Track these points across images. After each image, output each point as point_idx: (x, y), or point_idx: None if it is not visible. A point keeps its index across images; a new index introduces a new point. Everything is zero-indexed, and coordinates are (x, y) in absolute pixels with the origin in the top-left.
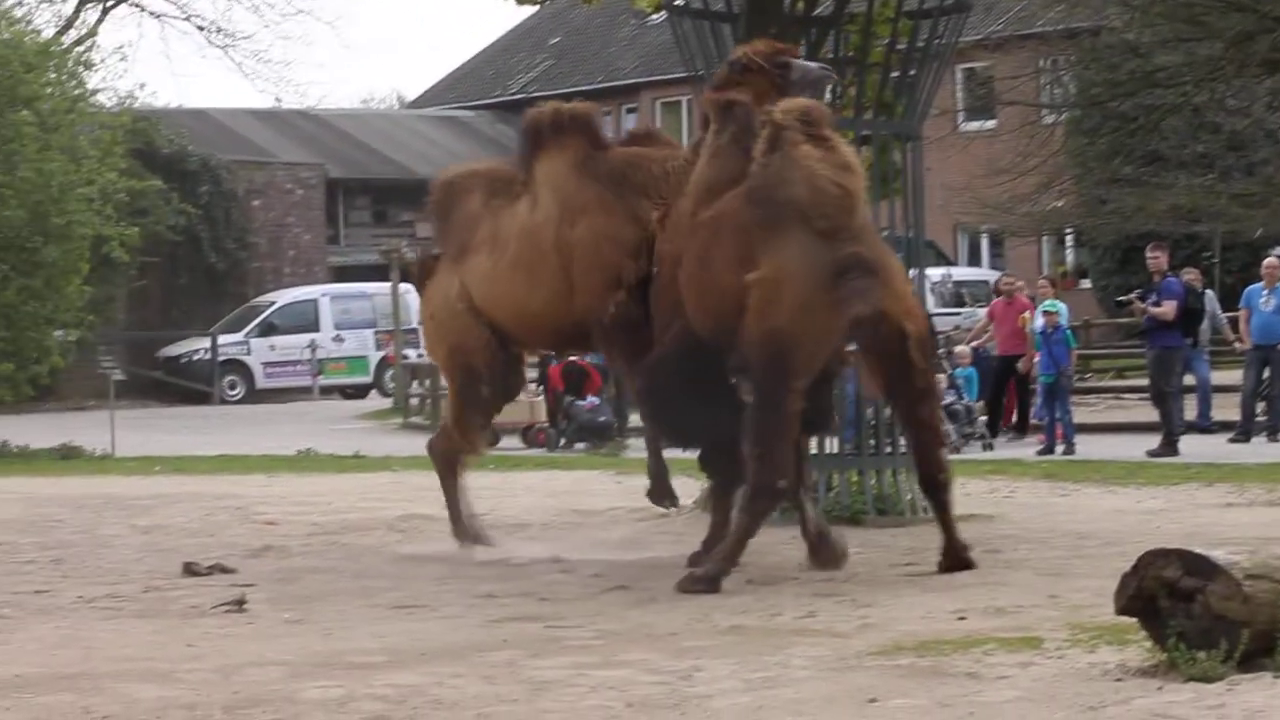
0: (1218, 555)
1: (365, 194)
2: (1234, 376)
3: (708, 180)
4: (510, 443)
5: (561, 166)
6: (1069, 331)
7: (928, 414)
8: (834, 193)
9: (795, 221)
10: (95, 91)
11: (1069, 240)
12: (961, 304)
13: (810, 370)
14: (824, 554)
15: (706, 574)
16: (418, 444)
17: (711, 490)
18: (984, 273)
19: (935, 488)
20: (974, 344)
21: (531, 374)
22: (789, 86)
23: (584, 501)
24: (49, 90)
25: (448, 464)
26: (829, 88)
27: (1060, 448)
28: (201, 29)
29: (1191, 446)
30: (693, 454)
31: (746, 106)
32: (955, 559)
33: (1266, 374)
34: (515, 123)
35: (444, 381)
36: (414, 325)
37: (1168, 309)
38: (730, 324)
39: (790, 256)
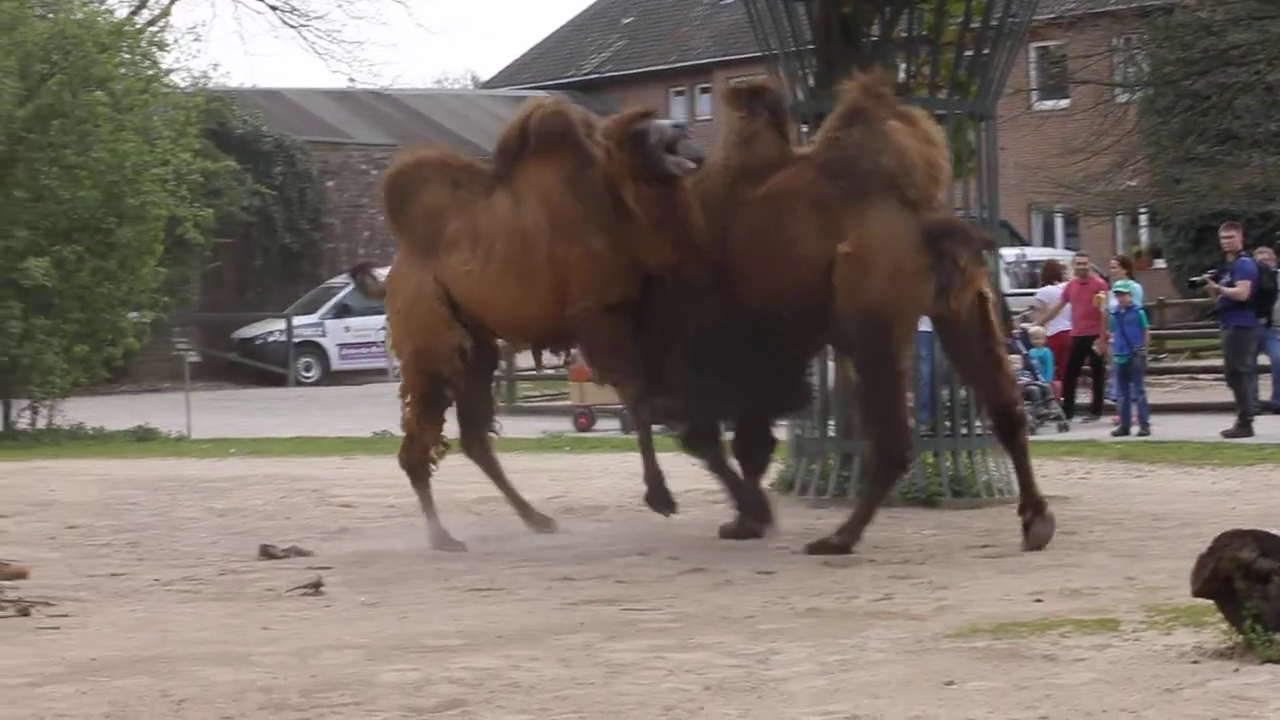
0: None
1: None
2: None
3: (743, 163)
4: (607, 424)
5: (552, 177)
6: (1143, 312)
7: (1007, 383)
8: (922, 164)
9: (883, 192)
10: (169, 72)
11: (1143, 220)
12: (1035, 284)
13: (909, 338)
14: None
15: (841, 542)
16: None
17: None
18: (1058, 253)
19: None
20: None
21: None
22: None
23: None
24: (122, 71)
25: (419, 474)
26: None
27: (1135, 429)
28: (275, 9)
29: (1266, 427)
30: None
31: (777, 93)
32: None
33: None
34: (590, 103)
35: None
36: None
37: (1241, 289)
38: (812, 296)
39: (882, 226)
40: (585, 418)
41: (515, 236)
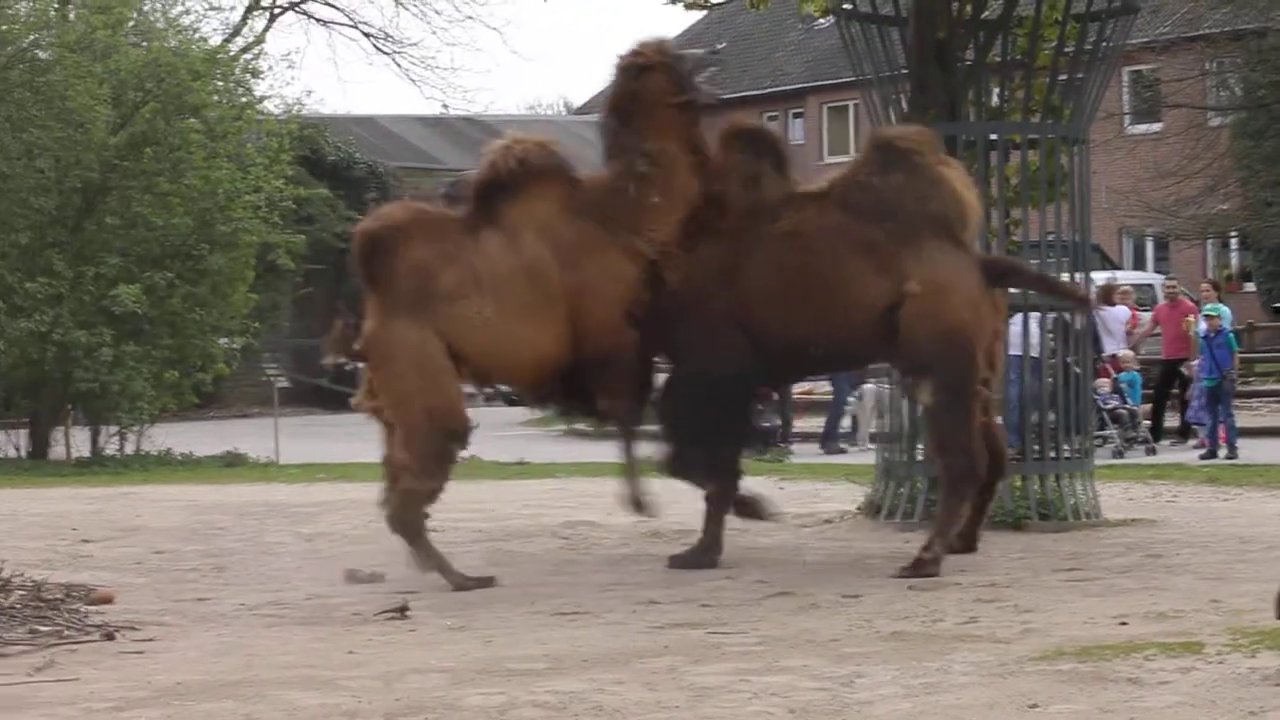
0: None
1: None
2: None
3: (752, 202)
4: None
5: (546, 207)
6: (1232, 335)
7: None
8: (974, 209)
9: (937, 233)
10: (262, 99)
11: (1233, 243)
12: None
13: (979, 366)
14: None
15: (932, 557)
16: (581, 451)
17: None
18: (1149, 276)
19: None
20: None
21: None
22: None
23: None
24: (216, 98)
25: (417, 530)
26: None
27: (1223, 452)
28: (369, 36)
29: None
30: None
31: (778, 135)
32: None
33: None
34: None
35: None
36: None
37: None
38: (856, 333)
39: (949, 264)
40: None
41: (519, 276)
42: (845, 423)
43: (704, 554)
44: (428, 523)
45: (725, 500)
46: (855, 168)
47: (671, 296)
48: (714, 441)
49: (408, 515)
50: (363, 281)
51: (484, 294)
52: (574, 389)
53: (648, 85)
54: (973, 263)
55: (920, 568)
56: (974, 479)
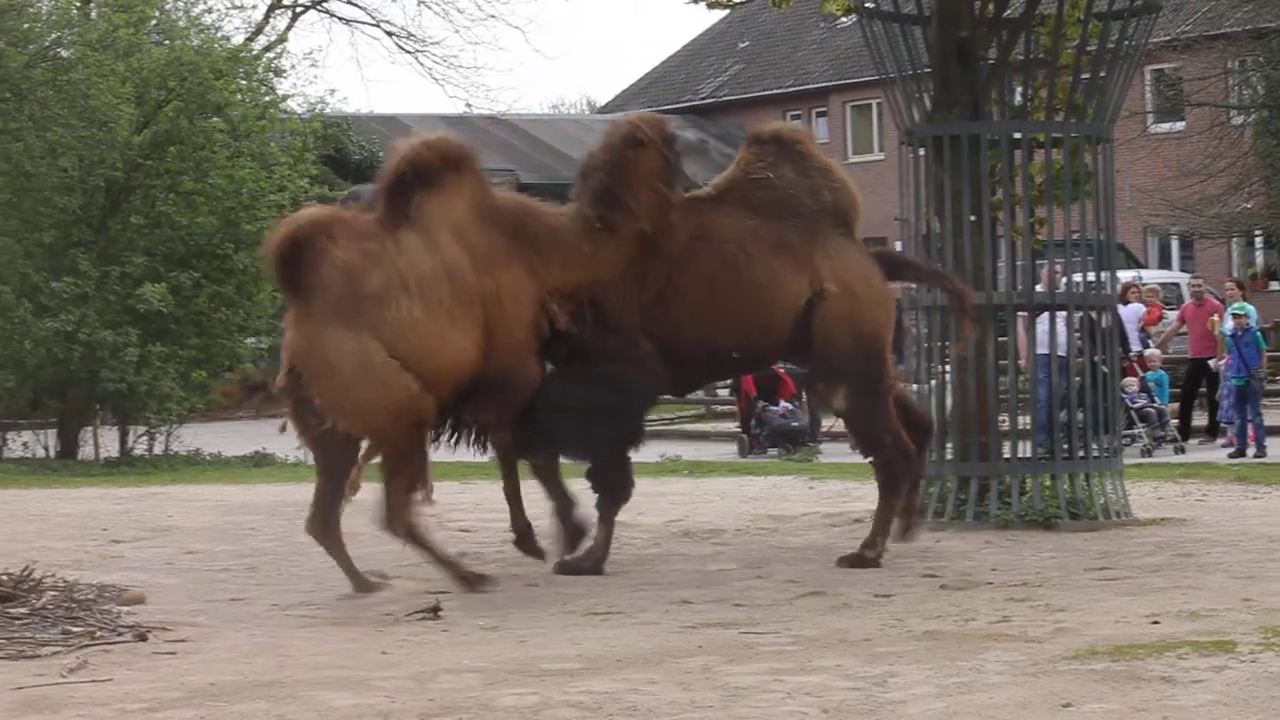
0: None
1: (556, 199)
2: None
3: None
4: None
5: (459, 208)
6: (1259, 333)
7: None
8: (858, 200)
9: (837, 225)
10: (285, 98)
11: (1258, 242)
12: None
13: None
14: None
15: (874, 555)
16: None
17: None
18: (1174, 275)
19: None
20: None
21: (726, 380)
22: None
23: (777, 507)
24: (239, 97)
25: (419, 532)
26: None
27: (1251, 450)
28: (391, 34)
29: None
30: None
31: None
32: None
33: None
34: (706, 127)
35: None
36: None
37: None
38: (784, 335)
39: (854, 261)
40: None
41: (445, 274)
42: None
43: (590, 560)
44: (429, 520)
45: (616, 508)
46: (745, 165)
47: (580, 306)
48: (614, 450)
49: (404, 522)
50: (286, 289)
51: (411, 297)
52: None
53: (639, 160)
54: (871, 257)
55: (861, 561)
56: (909, 470)
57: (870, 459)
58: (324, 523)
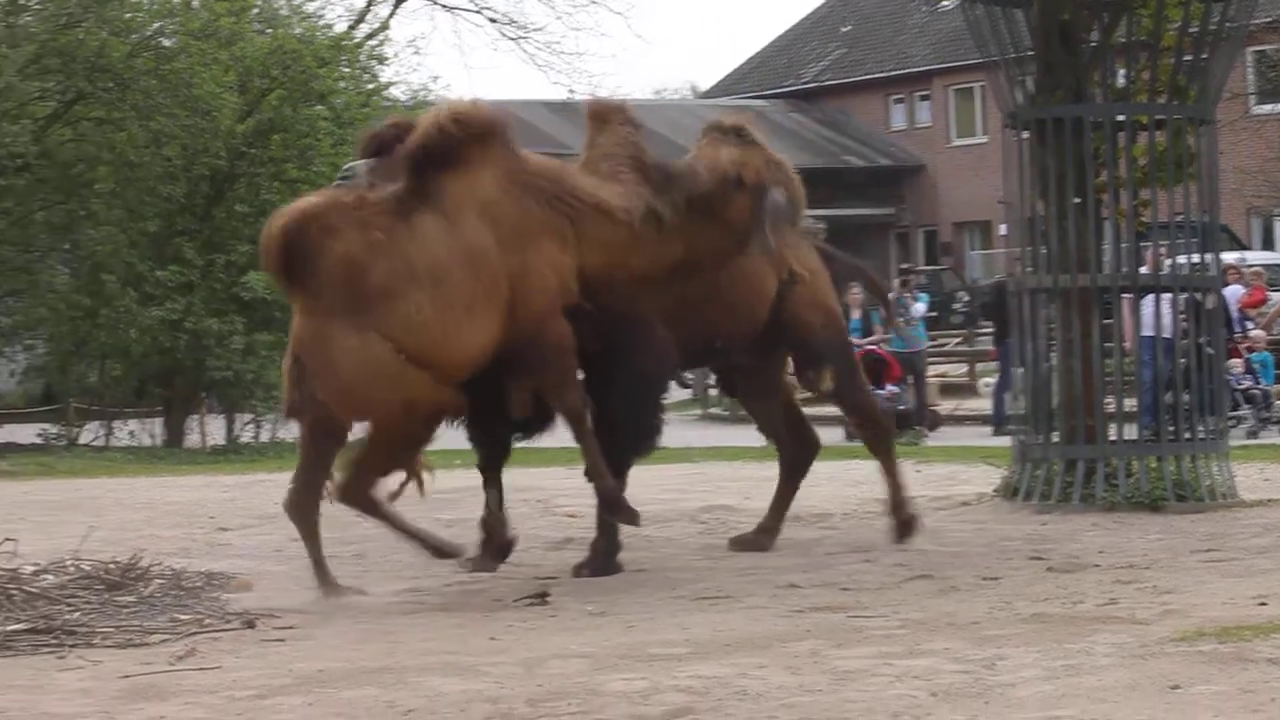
0: None
1: None
2: None
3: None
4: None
5: (486, 183)
6: None
7: None
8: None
9: (784, 220)
10: (389, 85)
11: None
12: None
13: None
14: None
15: (907, 517)
16: (718, 435)
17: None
18: (1277, 256)
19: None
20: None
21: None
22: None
23: (884, 490)
24: (343, 85)
25: (312, 524)
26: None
27: None
28: (494, 21)
29: None
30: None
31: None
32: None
33: None
34: (809, 112)
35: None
36: None
37: None
38: (762, 322)
39: (807, 249)
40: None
41: (460, 262)
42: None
43: (608, 559)
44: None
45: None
46: (702, 153)
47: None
48: (634, 443)
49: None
50: (284, 284)
51: (423, 288)
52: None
53: (730, 197)
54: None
55: (908, 529)
56: (893, 432)
57: (868, 433)
58: (302, 505)
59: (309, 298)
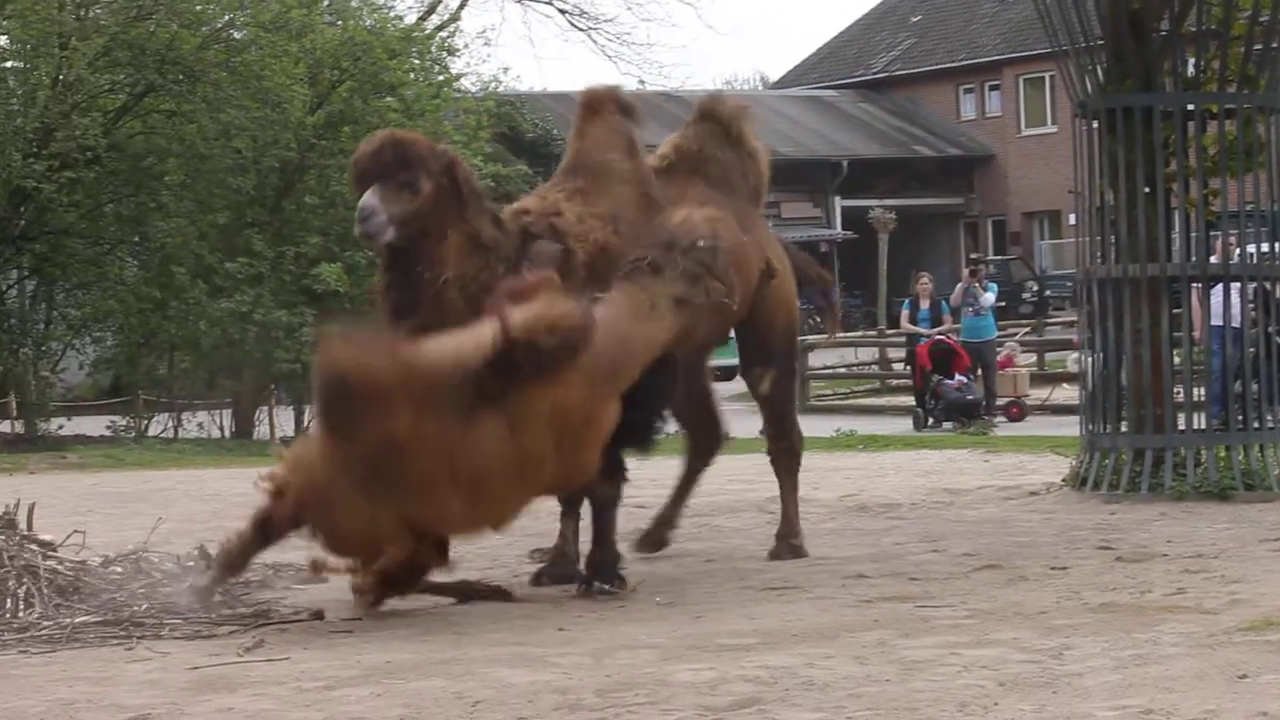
0: None
1: None
2: None
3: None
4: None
5: (558, 393)
6: None
7: None
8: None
9: (758, 208)
10: (459, 76)
11: None
12: None
13: None
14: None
15: (798, 544)
16: None
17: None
18: None
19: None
20: None
21: (899, 354)
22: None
23: (953, 480)
24: (413, 76)
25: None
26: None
27: None
28: (564, 12)
29: None
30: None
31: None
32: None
33: None
34: (879, 101)
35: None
36: None
37: None
38: (742, 315)
39: (776, 241)
40: (1017, 408)
41: (511, 475)
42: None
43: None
44: None
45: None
46: (693, 138)
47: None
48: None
49: None
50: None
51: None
52: None
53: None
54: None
55: (793, 552)
56: (800, 458)
57: (780, 449)
58: None
59: (337, 443)
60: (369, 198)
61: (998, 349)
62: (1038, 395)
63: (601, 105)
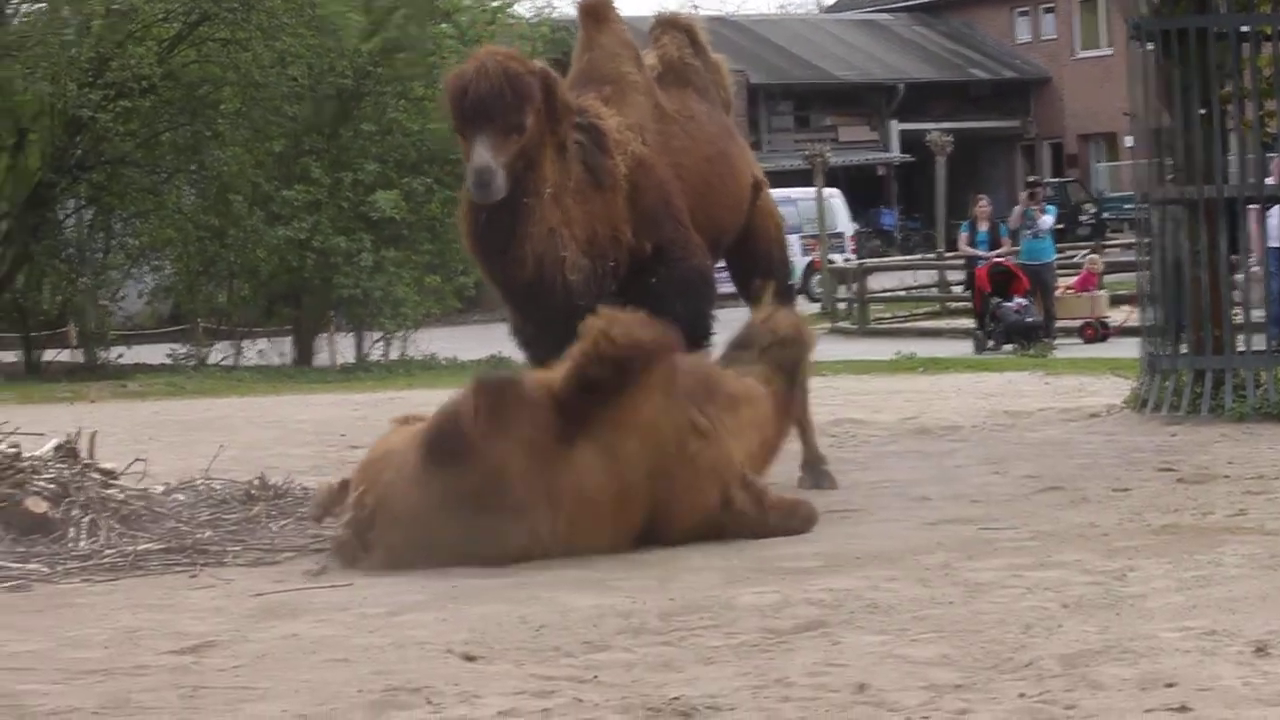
0: None
1: (787, 99)
2: None
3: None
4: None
5: (647, 412)
6: None
7: None
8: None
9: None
10: (513, 2)
11: None
12: None
13: None
14: None
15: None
16: (846, 349)
17: None
18: None
19: None
20: None
21: (958, 276)
22: None
23: (1013, 403)
24: (467, 2)
25: None
26: None
27: None
28: None
29: None
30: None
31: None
32: None
33: None
34: (935, 25)
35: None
36: (839, 230)
37: None
38: (742, 225)
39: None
40: (1092, 329)
41: (609, 502)
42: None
43: None
44: None
45: None
46: (672, 47)
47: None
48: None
49: None
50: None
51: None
52: None
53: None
54: None
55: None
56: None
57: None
58: None
59: (441, 472)
60: (483, 155)
61: (1068, 270)
62: (1118, 316)
63: (606, 13)
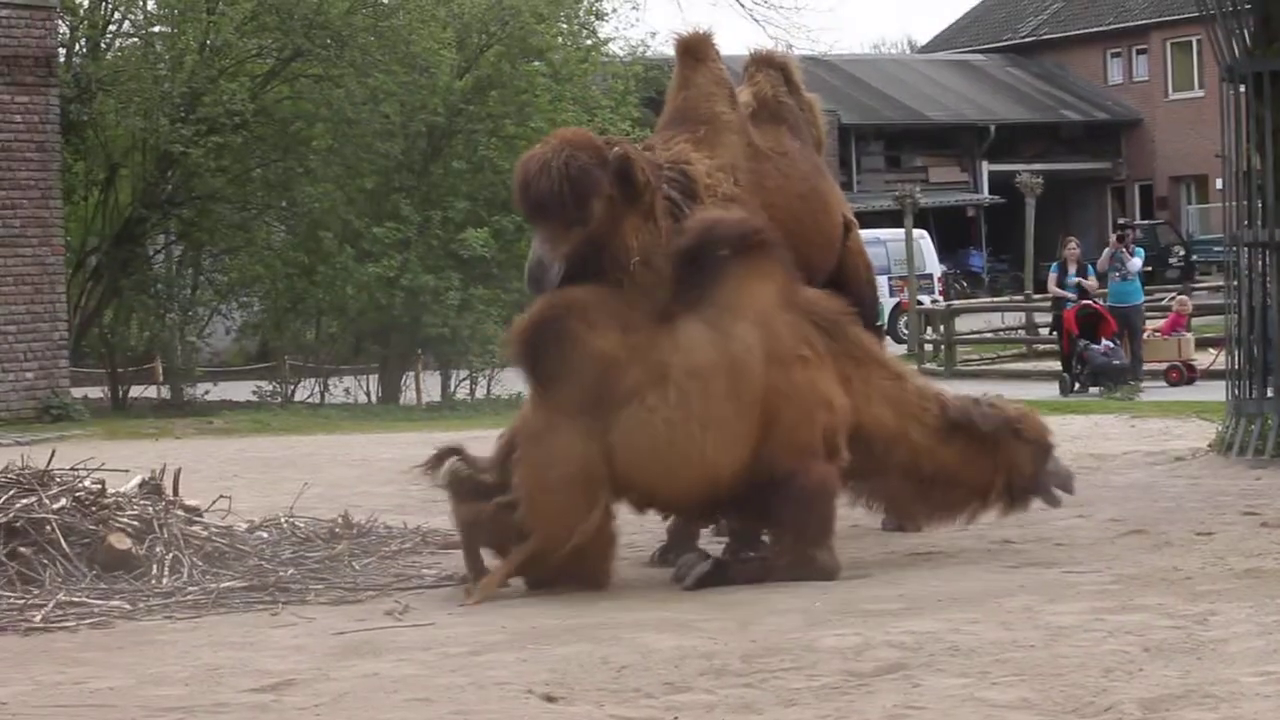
0: None
1: (878, 139)
2: None
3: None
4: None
5: (762, 297)
6: None
7: None
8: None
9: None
10: (607, 41)
11: None
12: None
13: None
14: None
15: None
16: None
17: None
18: None
19: None
20: None
21: (1045, 319)
22: None
23: (1099, 445)
24: (560, 41)
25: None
26: None
27: None
28: None
29: None
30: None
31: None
32: None
33: None
34: (1027, 66)
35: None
36: (928, 271)
37: None
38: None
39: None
40: (1178, 372)
41: (721, 374)
42: None
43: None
44: None
45: None
46: (767, 85)
47: None
48: None
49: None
50: (526, 376)
51: (667, 391)
52: None
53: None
54: None
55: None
56: None
57: None
58: None
59: (550, 389)
60: (538, 249)
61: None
62: (1204, 359)
63: (705, 52)
